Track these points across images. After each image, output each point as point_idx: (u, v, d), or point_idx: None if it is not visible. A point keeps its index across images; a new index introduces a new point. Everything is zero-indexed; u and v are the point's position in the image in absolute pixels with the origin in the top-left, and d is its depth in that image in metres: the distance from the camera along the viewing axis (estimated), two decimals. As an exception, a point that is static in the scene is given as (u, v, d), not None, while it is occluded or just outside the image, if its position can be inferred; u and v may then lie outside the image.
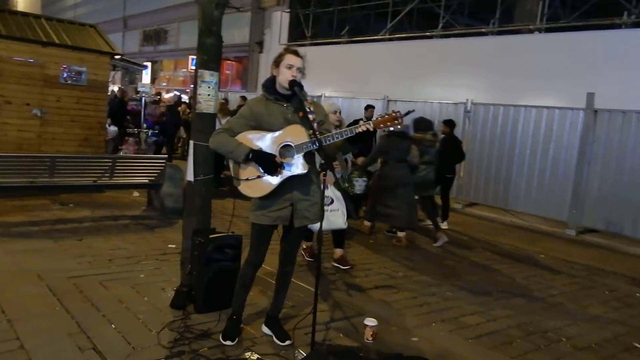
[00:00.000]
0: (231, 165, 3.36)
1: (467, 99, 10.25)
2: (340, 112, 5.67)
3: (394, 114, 3.17)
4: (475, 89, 11.59)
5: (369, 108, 10.77)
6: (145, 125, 13.19)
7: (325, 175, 3.19)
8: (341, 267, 5.56)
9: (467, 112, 10.21)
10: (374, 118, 3.26)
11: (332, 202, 4.90)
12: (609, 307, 5.13)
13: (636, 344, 4.26)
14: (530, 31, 12.14)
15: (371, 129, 3.19)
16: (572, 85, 9.91)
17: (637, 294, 5.49)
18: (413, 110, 3.93)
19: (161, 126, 12.67)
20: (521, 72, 11.36)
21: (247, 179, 3.29)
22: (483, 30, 12.88)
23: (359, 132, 3.18)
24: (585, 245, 8.00)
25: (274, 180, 3.26)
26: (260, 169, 3.25)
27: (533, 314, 4.74)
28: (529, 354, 3.90)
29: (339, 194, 4.99)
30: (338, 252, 5.69)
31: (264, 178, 3.26)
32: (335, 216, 4.90)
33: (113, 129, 11.94)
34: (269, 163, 3.23)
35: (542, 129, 9.26)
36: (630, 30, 10.39)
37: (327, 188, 4.67)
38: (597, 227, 8.47)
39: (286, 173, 3.25)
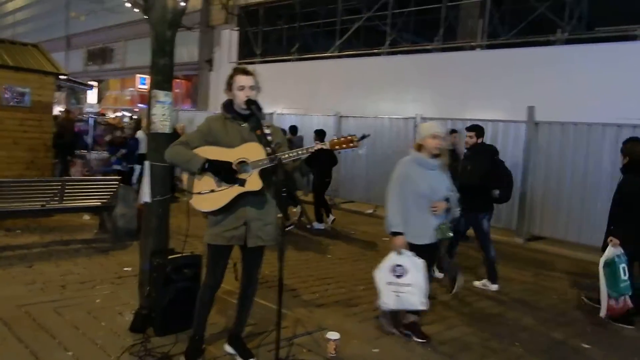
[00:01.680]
0: (185, 178, 3.37)
1: (416, 114, 10.54)
2: (442, 136, 4.14)
3: (349, 137, 3.23)
4: (423, 103, 11.93)
5: (453, 132, 8.77)
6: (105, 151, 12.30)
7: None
8: (413, 336, 4.26)
9: (416, 127, 10.48)
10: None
11: (403, 274, 4.00)
12: (557, 311, 5.37)
13: (585, 345, 4.48)
14: (472, 47, 12.65)
15: (326, 148, 3.23)
16: (513, 98, 10.37)
17: (582, 297, 5.76)
18: (369, 135, 3.86)
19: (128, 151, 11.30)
20: (465, 87, 11.80)
21: (199, 193, 3.31)
22: (428, 47, 13.32)
23: (313, 151, 3.23)
24: (532, 251, 8.33)
25: (227, 195, 3.27)
26: (216, 179, 3.27)
27: (487, 321, 4.91)
28: (486, 359, 4.04)
29: (419, 262, 4.00)
30: (410, 317, 4.32)
31: (217, 192, 3.28)
32: (408, 293, 4.00)
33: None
34: (225, 170, 3.24)
35: (488, 142, 9.60)
36: (563, 46, 11.01)
37: (402, 254, 4.01)
38: (543, 234, 8.85)
39: (240, 189, 3.27)
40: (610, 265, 5.00)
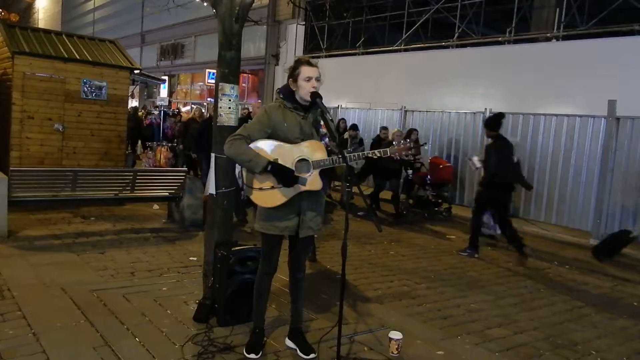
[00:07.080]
0: (244, 173, 3.37)
1: (486, 108, 10.18)
2: None
3: (408, 145, 3.35)
4: (492, 97, 11.50)
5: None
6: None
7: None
8: None
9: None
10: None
11: None
12: (638, 319, 5.01)
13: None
14: (548, 39, 12.04)
15: (377, 156, 3.29)
16: (592, 92, 9.78)
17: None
18: (425, 143, 4.16)
19: None
20: (539, 81, 11.24)
21: (260, 189, 3.31)
22: (499, 39, 12.81)
23: (370, 157, 3.33)
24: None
25: (288, 193, 3.28)
26: (277, 181, 3.26)
27: (560, 326, 4.65)
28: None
29: None
30: None
31: (277, 190, 3.28)
32: None
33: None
34: (287, 177, 3.24)
35: (563, 138, 9.16)
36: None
37: None
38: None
39: (301, 187, 3.27)
40: None
